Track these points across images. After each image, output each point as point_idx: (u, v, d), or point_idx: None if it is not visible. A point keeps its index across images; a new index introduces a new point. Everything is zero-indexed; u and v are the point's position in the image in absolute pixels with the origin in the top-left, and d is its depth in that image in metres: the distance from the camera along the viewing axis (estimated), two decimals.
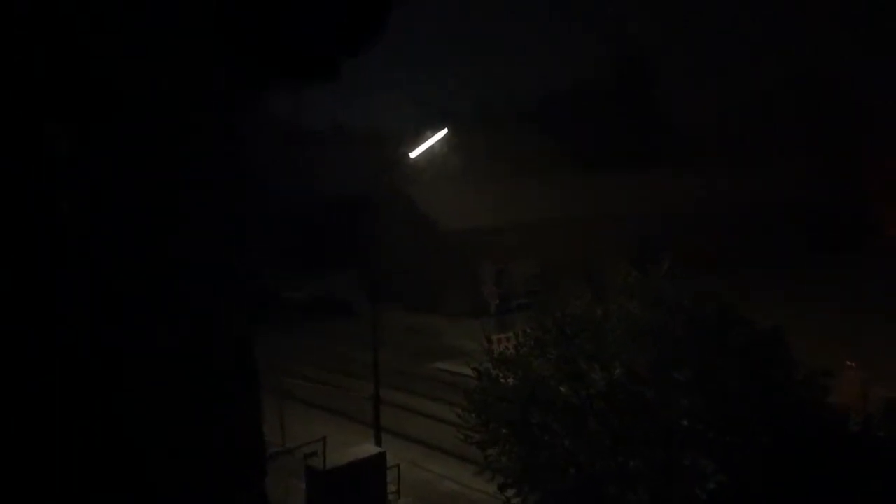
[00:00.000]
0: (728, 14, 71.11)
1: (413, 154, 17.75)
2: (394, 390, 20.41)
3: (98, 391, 1.34)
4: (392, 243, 35.20)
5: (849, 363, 16.98)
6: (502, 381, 11.94)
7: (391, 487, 15.07)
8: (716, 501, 10.35)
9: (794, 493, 10.36)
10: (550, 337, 11.99)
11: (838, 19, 57.92)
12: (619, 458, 11.01)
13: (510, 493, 11.50)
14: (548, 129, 52.18)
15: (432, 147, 17.96)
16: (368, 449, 15.02)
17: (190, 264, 1.46)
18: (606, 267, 13.73)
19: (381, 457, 14.64)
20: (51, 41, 1.31)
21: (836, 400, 11.61)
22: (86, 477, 1.32)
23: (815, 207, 47.67)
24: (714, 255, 36.41)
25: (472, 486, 15.18)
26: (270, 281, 34.71)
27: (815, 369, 11.30)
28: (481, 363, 12.36)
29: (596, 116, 54.62)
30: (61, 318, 1.31)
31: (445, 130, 17.34)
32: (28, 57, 1.31)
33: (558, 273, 33.44)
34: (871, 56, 54.31)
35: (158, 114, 1.43)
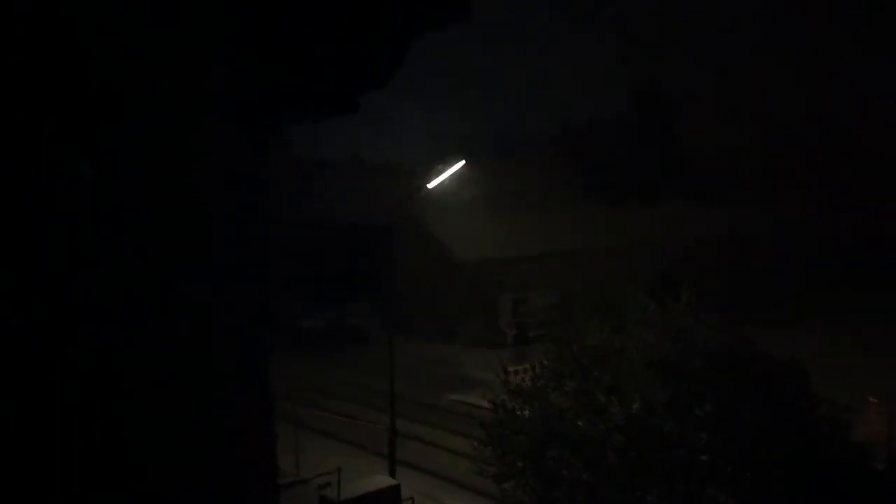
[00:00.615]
0: (750, 48, 71.40)
1: (431, 185, 17.87)
2: (409, 421, 20.27)
3: (112, 409, 1.34)
4: (409, 273, 35.26)
5: (872, 399, 16.67)
6: (518, 413, 11.83)
7: None
8: None
9: None
10: (567, 369, 11.88)
11: (863, 55, 57.92)
12: (638, 492, 10.84)
13: None
14: (566, 160, 52.32)
15: (450, 178, 18.07)
16: (383, 480, 14.88)
17: (206, 289, 1.47)
18: (624, 298, 13.64)
19: (395, 489, 14.50)
20: (82, 68, 1.33)
21: (859, 437, 11.36)
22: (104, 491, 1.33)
23: (837, 243, 47.17)
24: (733, 289, 36.10)
25: None
26: (288, 309, 34.83)
27: (837, 405, 11.10)
28: (497, 395, 12.26)
29: (614, 148, 54.72)
30: (74, 333, 1.31)
31: (463, 162, 17.45)
32: (56, 84, 1.32)
33: (576, 304, 33.29)
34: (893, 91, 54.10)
35: (177, 134, 1.45)
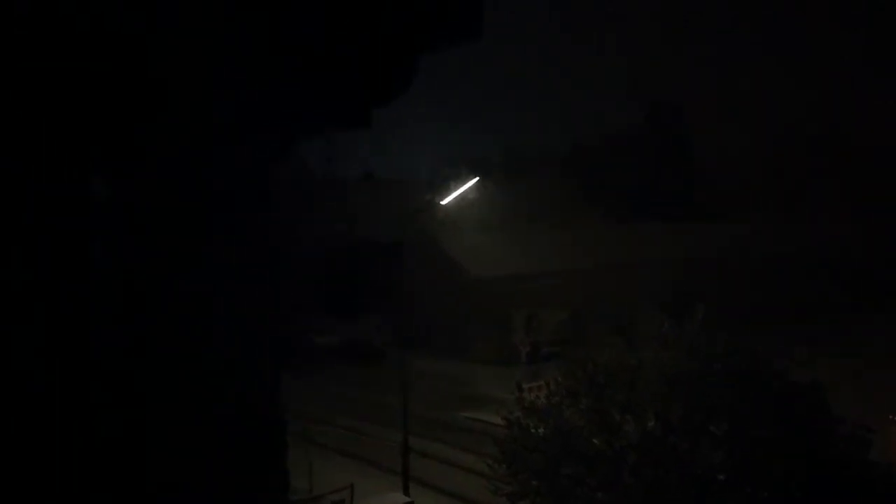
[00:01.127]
0: (764, 61, 71.30)
1: (444, 201, 17.91)
2: (422, 438, 20.18)
3: (114, 398, 1.34)
4: (422, 290, 35.25)
5: (892, 417, 16.44)
6: (533, 430, 11.75)
7: None
8: None
9: None
10: (582, 386, 11.80)
11: (882, 72, 57.71)
12: None
13: None
14: (579, 176, 52.30)
15: (463, 194, 18.12)
16: (396, 498, 14.82)
17: (213, 281, 1.47)
18: (639, 316, 13.56)
19: None
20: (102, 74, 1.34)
21: (880, 457, 11.18)
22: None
23: (853, 261, 46.70)
24: (749, 307, 35.80)
25: None
26: (301, 325, 34.90)
27: (856, 424, 10.94)
28: (511, 412, 12.18)
29: (627, 164, 54.66)
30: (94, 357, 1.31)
31: (476, 178, 17.50)
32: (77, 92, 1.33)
33: (590, 321, 33.14)
34: None
35: (187, 141, 1.45)
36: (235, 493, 1.50)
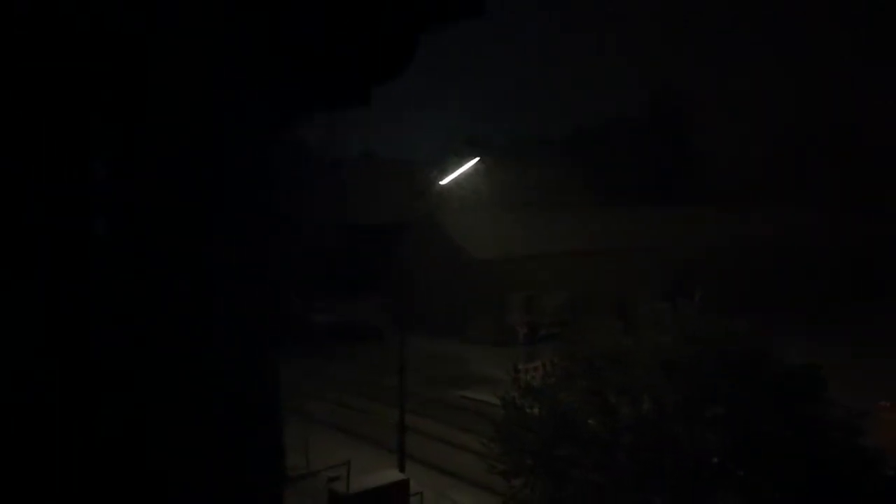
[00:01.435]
0: (765, 50, 70.90)
1: (444, 182, 17.88)
2: (419, 417, 20.32)
3: (115, 398, 1.33)
4: (422, 270, 35.31)
5: (883, 404, 16.55)
6: (528, 411, 11.82)
7: None
8: None
9: None
10: (578, 368, 11.85)
11: (883, 59, 57.45)
12: (646, 493, 10.81)
13: None
14: (580, 160, 52.16)
15: (463, 175, 18.08)
16: (392, 475, 14.93)
17: (213, 280, 1.46)
18: (637, 300, 13.59)
19: (404, 484, 14.54)
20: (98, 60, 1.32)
21: (872, 443, 11.26)
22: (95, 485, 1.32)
23: (849, 250, 46.74)
24: (747, 292, 35.89)
25: None
26: (299, 304, 35.00)
27: (850, 410, 10.99)
28: (508, 392, 12.25)
29: (629, 149, 54.52)
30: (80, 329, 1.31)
31: (477, 159, 17.45)
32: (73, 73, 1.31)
33: (588, 304, 33.25)
34: None
35: (188, 129, 1.43)
36: (232, 480, 1.50)
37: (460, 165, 17.63)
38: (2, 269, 1.27)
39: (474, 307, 35.21)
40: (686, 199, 48.78)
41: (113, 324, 1.34)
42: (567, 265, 36.70)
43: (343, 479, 14.37)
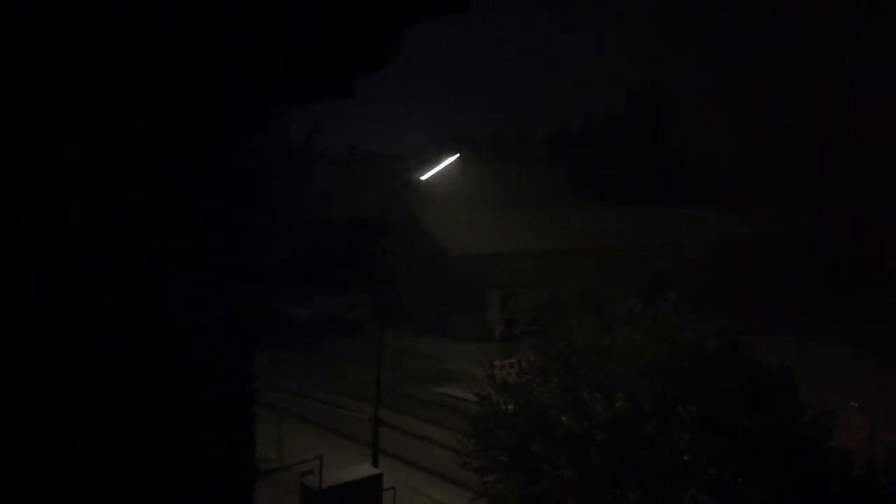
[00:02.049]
0: (749, 48, 71.49)
1: (424, 177, 17.82)
2: (395, 412, 20.28)
3: (87, 389, 1.32)
4: (402, 266, 35.23)
5: (853, 404, 16.76)
6: (503, 407, 11.83)
7: None
8: None
9: None
10: (554, 365, 11.87)
11: (866, 64, 58.35)
12: (619, 490, 10.85)
13: None
14: (562, 158, 52.29)
15: (444, 171, 18.03)
16: (365, 470, 14.87)
17: (189, 274, 1.44)
18: (614, 298, 13.65)
19: (377, 478, 14.50)
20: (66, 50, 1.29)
21: (841, 442, 11.40)
22: (74, 475, 1.32)
23: (830, 247, 47.33)
24: (724, 291, 36.21)
25: None
26: (278, 299, 34.75)
27: (820, 410, 11.11)
28: (483, 389, 12.25)
29: (611, 148, 54.74)
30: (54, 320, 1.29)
31: (457, 155, 17.42)
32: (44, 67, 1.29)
33: (566, 302, 33.34)
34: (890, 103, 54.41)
35: (167, 120, 1.40)
36: (204, 472, 1.50)
37: (442, 161, 17.59)
38: None
39: (456, 304, 35.22)
40: (668, 197, 49.12)
41: (82, 318, 1.31)
42: (548, 263, 36.83)
43: (316, 473, 14.30)
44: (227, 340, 1.51)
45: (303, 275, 40.32)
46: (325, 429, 20.24)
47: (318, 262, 43.32)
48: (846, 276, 46.34)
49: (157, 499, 1.41)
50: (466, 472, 12.12)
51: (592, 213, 42.76)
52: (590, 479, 10.81)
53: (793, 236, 46.16)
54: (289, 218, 38.86)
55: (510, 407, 11.70)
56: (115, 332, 1.35)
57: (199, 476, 1.47)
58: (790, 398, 11.21)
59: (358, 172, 48.05)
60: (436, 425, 20.16)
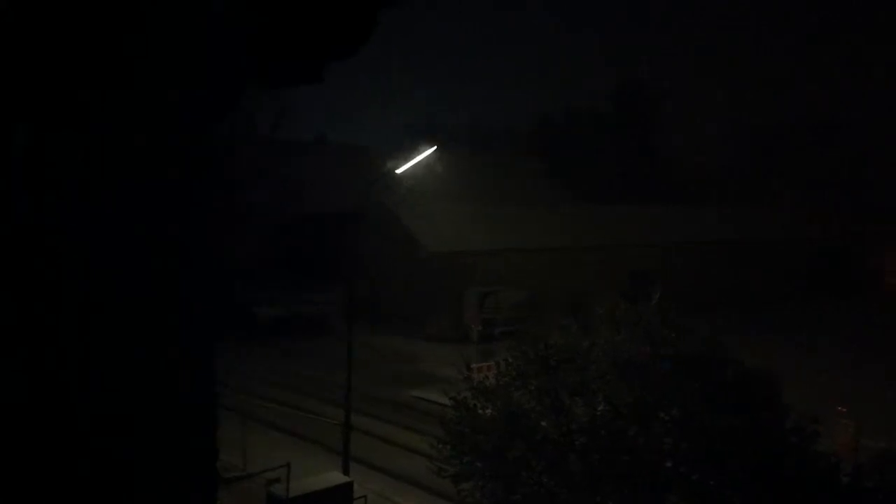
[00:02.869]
0: (738, 49, 72.11)
1: (400, 170, 17.17)
2: (367, 417, 19.68)
3: (47, 390, 1.29)
4: (375, 262, 34.57)
5: (840, 409, 16.56)
6: (480, 411, 11.38)
7: None
8: None
9: None
10: (532, 368, 11.45)
11: (858, 65, 59.22)
12: (599, 497, 10.46)
13: None
14: (542, 154, 51.99)
15: (421, 166, 17.43)
16: (335, 478, 14.34)
17: (147, 267, 1.39)
18: (596, 298, 13.26)
19: (347, 487, 13.95)
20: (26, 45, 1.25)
21: (828, 447, 11.08)
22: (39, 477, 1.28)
23: (817, 249, 47.57)
24: (705, 290, 36.09)
25: None
26: (243, 295, 33.88)
27: (805, 415, 10.80)
28: (459, 392, 11.78)
29: (593, 144, 54.61)
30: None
31: (434, 148, 16.81)
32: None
33: (546, 302, 32.90)
34: (881, 105, 55.12)
35: (125, 112, 1.34)
36: (163, 480, 1.43)
37: (418, 154, 16.96)
38: None
39: (432, 303, 34.57)
40: (650, 196, 49.11)
41: (34, 314, 1.27)
42: (528, 261, 36.44)
43: (283, 481, 13.66)
44: (182, 337, 1.45)
45: (270, 271, 39.53)
46: (291, 434, 19.53)
47: (286, 258, 42.50)
48: (830, 277, 46.62)
49: None
50: (441, 479, 11.65)
51: (573, 210, 42.50)
52: (569, 486, 10.42)
53: (775, 236, 46.38)
54: (254, 209, 37.96)
55: (487, 411, 11.27)
56: (56, 324, 1.29)
57: (153, 487, 1.40)
58: (773, 400, 10.92)
59: (329, 162, 47.25)
60: (410, 430, 19.56)
